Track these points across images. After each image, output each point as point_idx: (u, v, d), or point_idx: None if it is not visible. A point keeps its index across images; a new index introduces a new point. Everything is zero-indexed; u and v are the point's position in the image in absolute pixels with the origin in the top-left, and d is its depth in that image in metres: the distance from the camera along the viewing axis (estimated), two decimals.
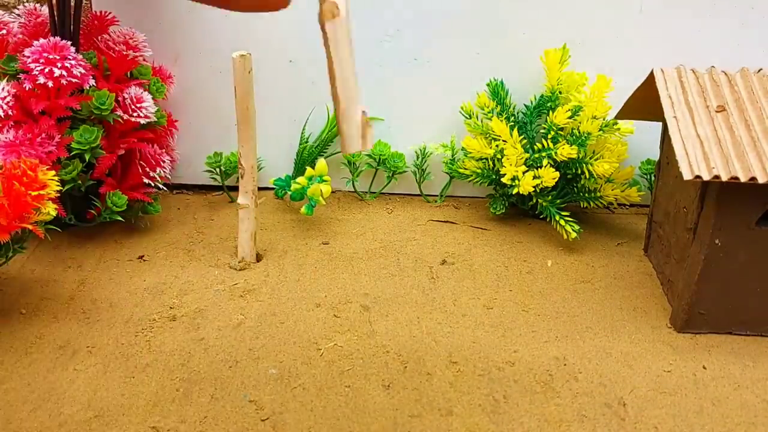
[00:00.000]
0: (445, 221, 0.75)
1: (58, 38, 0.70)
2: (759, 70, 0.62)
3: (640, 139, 0.83)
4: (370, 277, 0.73)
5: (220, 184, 0.88)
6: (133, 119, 0.74)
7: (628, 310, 0.68)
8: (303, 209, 0.79)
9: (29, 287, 0.69)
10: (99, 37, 0.77)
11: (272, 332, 0.63)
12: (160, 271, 0.72)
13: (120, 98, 0.74)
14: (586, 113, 0.77)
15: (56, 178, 0.63)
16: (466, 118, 0.83)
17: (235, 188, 0.73)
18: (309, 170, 0.79)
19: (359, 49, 0.88)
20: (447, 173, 0.87)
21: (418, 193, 0.91)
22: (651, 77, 0.65)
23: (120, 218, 0.75)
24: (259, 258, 0.76)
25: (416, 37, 0.84)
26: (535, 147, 0.79)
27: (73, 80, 0.69)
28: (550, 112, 0.79)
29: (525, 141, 0.78)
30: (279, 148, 0.90)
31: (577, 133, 0.77)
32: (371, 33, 0.84)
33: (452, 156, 0.86)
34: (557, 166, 0.78)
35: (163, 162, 0.79)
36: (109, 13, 0.78)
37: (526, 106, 0.83)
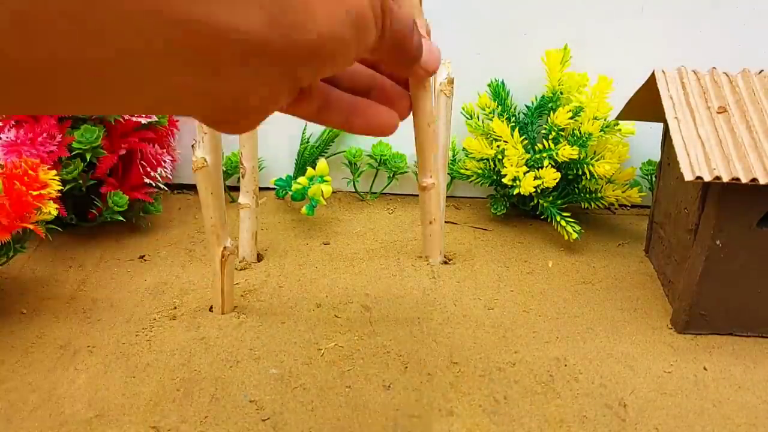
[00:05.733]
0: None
1: None
2: (760, 71, 0.62)
3: (642, 140, 0.83)
4: (371, 277, 0.73)
5: None
6: (134, 119, 0.74)
7: (629, 311, 0.68)
8: (304, 209, 0.79)
9: (30, 287, 0.69)
10: None
11: (273, 332, 0.63)
12: (161, 271, 0.72)
13: None
14: (587, 114, 0.77)
15: (57, 177, 0.63)
16: (467, 118, 0.83)
17: (236, 188, 0.73)
18: (310, 170, 0.79)
19: None
20: (448, 174, 0.87)
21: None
22: (652, 78, 0.65)
23: (121, 218, 0.75)
24: (260, 258, 0.76)
25: None
26: (536, 147, 0.79)
27: None
28: (551, 113, 0.79)
29: (526, 141, 0.78)
30: (280, 148, 0.90)
31: (578, 134, 0.77)
32: None
33: (453, 156, 0.86)
34: (558, 166, 0.78)
35: (165, 162, 0.79)
36: None
37: (527, 106, 0.83)
